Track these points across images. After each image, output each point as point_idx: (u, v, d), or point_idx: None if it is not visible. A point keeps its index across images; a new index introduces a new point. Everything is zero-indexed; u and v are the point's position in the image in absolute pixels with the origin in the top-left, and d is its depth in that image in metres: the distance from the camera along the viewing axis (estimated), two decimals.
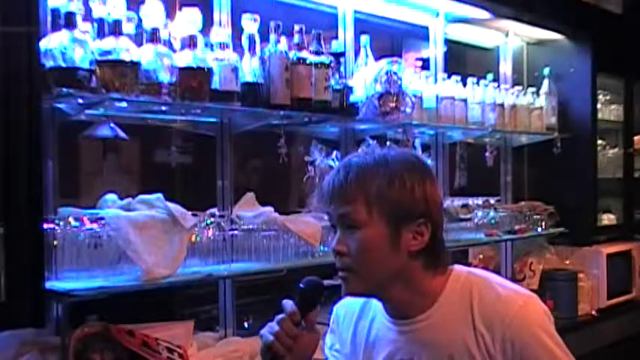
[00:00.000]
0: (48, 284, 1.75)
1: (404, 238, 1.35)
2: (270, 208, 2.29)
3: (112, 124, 2.11)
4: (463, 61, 3.76)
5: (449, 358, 1.37)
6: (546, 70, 3.68)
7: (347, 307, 1.56)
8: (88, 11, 1.92)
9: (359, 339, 1.51)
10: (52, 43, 1.79)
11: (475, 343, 1.35)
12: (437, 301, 1.40)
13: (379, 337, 1.47)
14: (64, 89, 1.76)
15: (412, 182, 1.35)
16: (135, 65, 1.88)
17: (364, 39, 2.76)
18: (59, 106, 1.90)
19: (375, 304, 1.48)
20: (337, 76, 2.47)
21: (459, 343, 1.36)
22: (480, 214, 3.15)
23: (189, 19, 2.05)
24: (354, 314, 1.53)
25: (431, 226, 1.36)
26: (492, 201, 3.28)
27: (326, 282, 1.56)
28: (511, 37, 3.75)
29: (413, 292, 1.39)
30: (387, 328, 1.45)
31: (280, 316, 1.40)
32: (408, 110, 2.68)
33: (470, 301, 1.38)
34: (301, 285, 1.44)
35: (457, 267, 1.46)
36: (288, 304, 1.40)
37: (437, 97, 2.97)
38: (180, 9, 2.10)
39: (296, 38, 2.33)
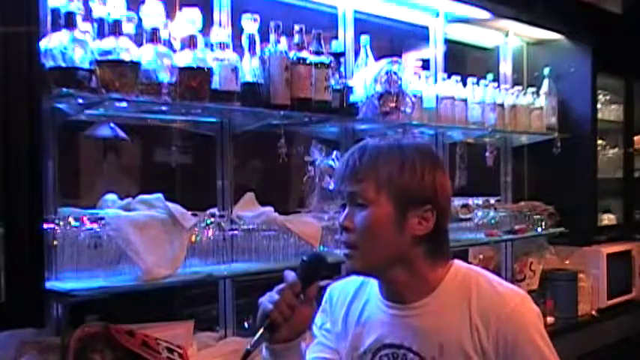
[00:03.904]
0: (48, 284, 1.75)
1: (409, 221, 1.38)
2: (270, 208, 2.29)
3: (112, 124, 2.11)
4: (463, 61, 3.76)
5: (439, 346, 1.39)
6: (546, 70, 3.67)
7: (341, 288, 1.58)
8: (88, 11, 1.91)
9: (350, 319, 1.53)
10: (52, 43, 1.79)
11: (469, 336, 1.38)
12: (435, 290, 1.42)
13: (371, 319, 1.49)
14: (64, 89, 1.76)
15: (423, 168, 1.39)
16: (135, 65, 1.88)
17: (364, 39, 2.75)
18: (59, 106, 1.90)
19: (370, 288, 1.51)
20: (337, 76, 2.47)
21: (452, 333, 1.39)
22: (480, 214, 3.15)
23: (189, 19, 2.05)
24: (348, 295, 1.55)
25: (437, 213, 1.40)
26: (492, 201, 3.28)
27: (323, 282, 1.57)
28: (511, 37, 3.74)
29: (413, 277, 1.42)
30: (380, 310, 1.47)
31: (281, 285, 1.40)
32: (408, 110, 2.68)
33: (468, 294, 1.40)
34: (304, 258, 1.46)
35: (457, 261, 1.49)
36: (289, 275, 1.41)
37: (437, 97, 2.97)
38: (180, 9, 2.10)
39: (296, 38, 2.32)
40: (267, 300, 1.39)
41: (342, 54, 2.61)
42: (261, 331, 1.37)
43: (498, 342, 1.36)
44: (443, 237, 1.45)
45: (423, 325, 1.41)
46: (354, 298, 1.54)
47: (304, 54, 2.32)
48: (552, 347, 1.40)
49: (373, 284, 1.50)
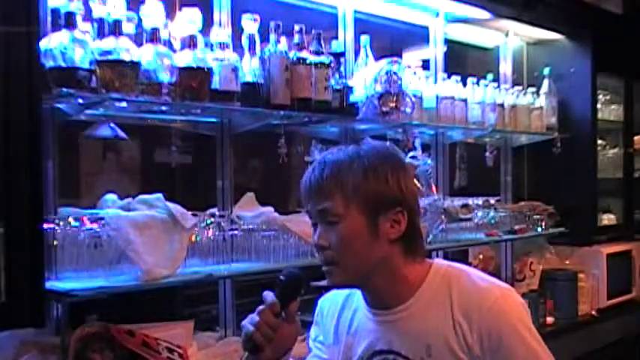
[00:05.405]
0: (48, 284, 1.75)
1: (382, 227, 1.39)
2: (270, 208, 2.29)
3: (112, 124, 2.11)
4: (463, 61, 3.76)
5: (427, 347, 1.40)
6: (546, 70, 3.68)
7: (331, 299, 1.59)
8: (88, 11, 1.91)
9: (341, 330, 1.54)
10: (52, 43, 1.79)
11: (453, 334, 1.38)
12: (417, 292, 1.43)
13: (360, 328, 1.50)
14: (64, 89, 1.76)
15: (386, 172, 1.39)
16: (135, 65, 1.88)
17: (364, 39, 2.75)
18: (59, 106, 1.90)
19: (358, 297, 1.51)
20: (337, 76, 2.47)
21: (438, 333, 1.39)
22: (480, 214, 3.15)
23: (189, 19, 2.05)
24: (338, 306, 1.56)
25: (407, 213, 1.40)
26: (492, 201, 3.28)
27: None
28: (511, 37, 3.75)
29: (394, 281, 1.42)
30: (368, 318, 1.48)
31: (261, 307, 1.41)
32: (408, 110, 2.68)
33: (449, 292, 1.41)
34: (281, 277, 1.46)
35: (437, 260, 1.51)
36: (268, 295, 1.42)
37: (437, 97, 2.97)
38: (180, 9, 2.10)
39: (296, 38, 2.33)
40: (249, 322, 1.41)
41: (342, 54, 2.61)
42: (245, 354, 1.40)
43: (482, 337, 1.36)
44: (417, 235, 1.45)
45: (408, 327, 1.42)
46: (343, 308, 1.55)
47: (304, 54, 2.32)
48: (539, 338, 1.39)
49: (360, 293, 1.50)
